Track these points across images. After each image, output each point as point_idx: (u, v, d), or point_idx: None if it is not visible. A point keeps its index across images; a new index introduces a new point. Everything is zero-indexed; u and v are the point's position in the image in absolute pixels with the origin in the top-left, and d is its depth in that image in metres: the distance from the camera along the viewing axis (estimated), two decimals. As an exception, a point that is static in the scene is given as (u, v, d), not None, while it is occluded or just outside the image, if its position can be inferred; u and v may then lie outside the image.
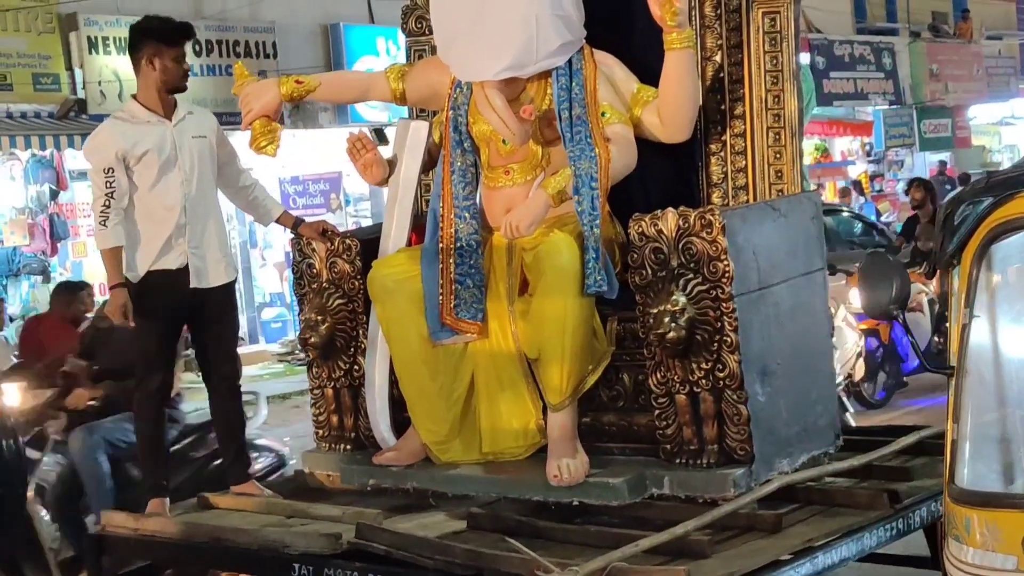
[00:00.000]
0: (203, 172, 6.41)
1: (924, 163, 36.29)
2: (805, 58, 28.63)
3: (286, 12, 22.58)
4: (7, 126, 18.81)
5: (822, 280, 5.59)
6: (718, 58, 5.73)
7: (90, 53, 20.30)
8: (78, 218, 20.51)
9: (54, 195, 19.87)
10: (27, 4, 19.52)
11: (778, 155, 5.60)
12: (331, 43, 22.97)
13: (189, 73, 6.49)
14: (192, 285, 6.32)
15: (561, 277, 5.19)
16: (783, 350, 5.27)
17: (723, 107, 5.73)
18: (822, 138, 32.96)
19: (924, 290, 13.31)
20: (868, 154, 34.47)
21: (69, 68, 20.12)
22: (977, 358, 3.94)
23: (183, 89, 6.48)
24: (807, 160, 31.50)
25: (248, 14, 22.11)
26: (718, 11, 5.73)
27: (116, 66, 19.57)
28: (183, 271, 6.33)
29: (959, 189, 4.60)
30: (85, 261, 19.97)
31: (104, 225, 6.20)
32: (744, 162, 5.67)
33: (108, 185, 6.21)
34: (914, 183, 15.62)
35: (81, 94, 19.86)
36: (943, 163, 34.31)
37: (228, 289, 6.52)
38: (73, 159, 19.56)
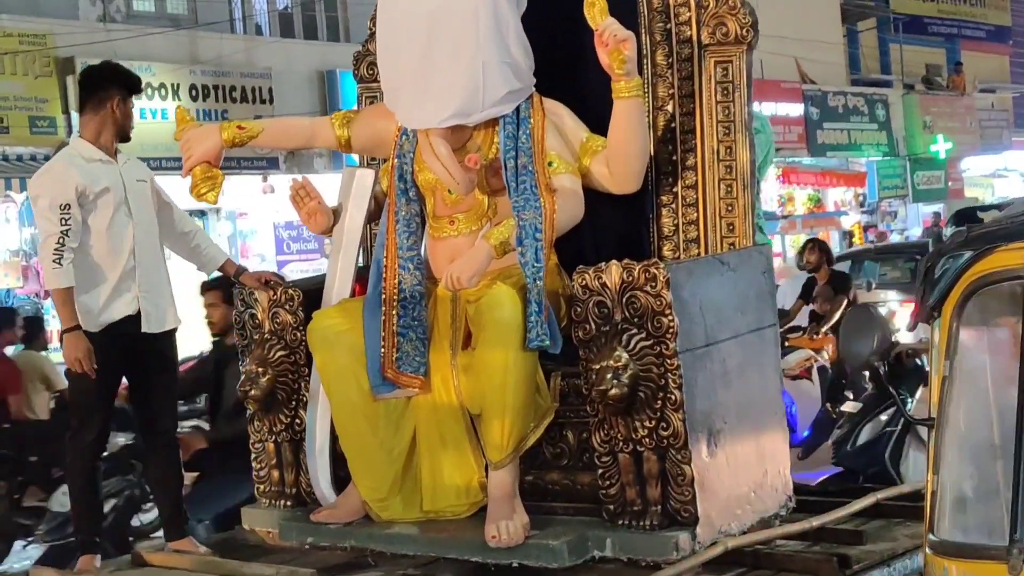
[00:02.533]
0: (149, 216, 6.24)
1: (918, 214, 36.16)
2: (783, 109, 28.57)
3: (282, 58, 22.44)
4: (3, 168, 18.68)
5: (773, 337, 5.34)
6: (670, 108, 5.49)
7: (86, 97, 20.13)
8: (71, 259, 20.28)
9: (49, 237, 19.65)
10: (25, 48, 19.39)
11: (730, 207, 5.36)
12: (327, 90, 22.80)
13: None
14: (144, 330, 6.10)
15: (502, 331, 4.94)
16: (730, 409, 5.02)
17: (674, 158, 5.48)
18: (815, 188, 32.81)
19: (813, 356, 12.73)
20: (861, 205, 34.27)
21: (66, 111, 19.96)
22: (956, 410, 3.83)
23: (130, 138, 6.32)
24: (800, 210, 31.84)
25: (244, 59, 21.96)
26: (670, 60, 5.49)
27: (112, 109, 19.38)
28: (134, 318, 6.11)
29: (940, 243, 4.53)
30: (78, 304, 19.75)
31: (59, 263, 5.97)
32: (695, 214, 5.43)
33: (64, 222, 6.00)
34: (808, 245, 14.60)
35: (77, 137, 19.68)
36: (937, 215, 34.10)
37: (173, 337, 6.31)
38: (69, 202, 19.38)
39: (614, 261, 4.84)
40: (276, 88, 22.00)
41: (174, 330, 6.35)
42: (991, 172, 39.95)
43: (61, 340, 6.11)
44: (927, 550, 3.82)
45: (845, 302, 12.94)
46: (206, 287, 8.09)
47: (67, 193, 6.06)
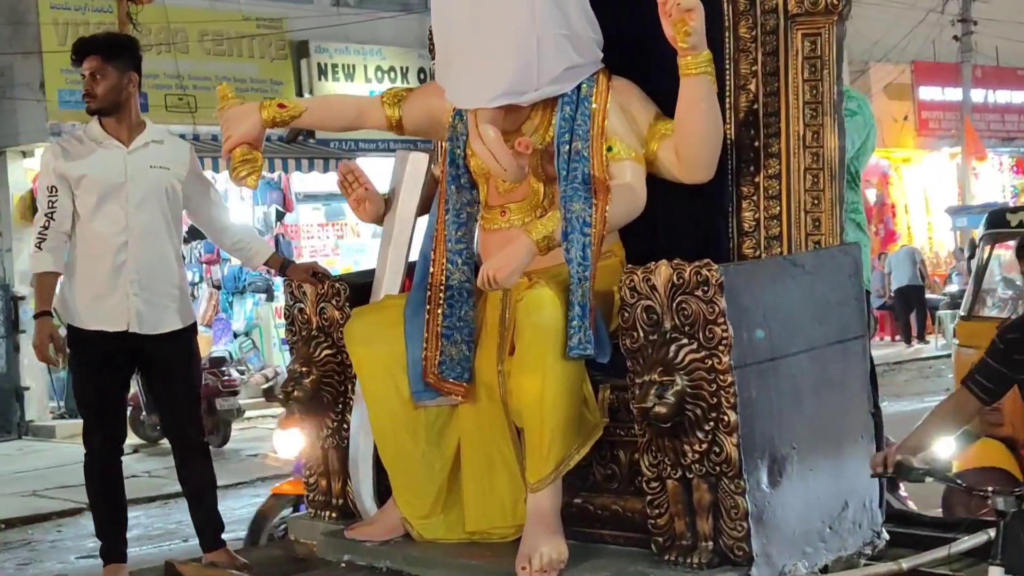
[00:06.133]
0: (156, 206, 5.61)
1: None
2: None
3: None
4: (239, 150, 18.58)
5: (860, 350, 4.50)
6: (752, 87, 4.66)
7: (319, 79, 20.06)
8: (302, 239, 20.29)
9: (280, 216, 19.58)
10: (261, 31, 19.34)
11: (816, 201, 4.53)
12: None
13: (89, 93, 5.71)
14: (132, 330, 5.53)
15: (541, 336, 4.22)
16: (801, 432, 4.22)
17: (757, 144, 4.64)
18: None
19: None
20: None
21: (299, 93, 19.86)
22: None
23: (90, 111, 5.74)
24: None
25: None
26: (753, 32, 4.66)
27: (344, 92, 19.16)
28: (125, 318, 5.57)
29: None
30: (308, 282, 19.58)
31: (39, 248, 5.58)
32: (778, 208, 4.61)
33: (50, 205, 5.58)
34: None
35: (309, 119, 19.49)
36: None
37: (181, 338, 5.67)
38: (300, 182, 19.33)
39: (664, 260, 4.08)
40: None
41: (184, 331, 5.73)
42: None
43: None
44: None
45: None
46: None
47: (49, 175, 5.63)
